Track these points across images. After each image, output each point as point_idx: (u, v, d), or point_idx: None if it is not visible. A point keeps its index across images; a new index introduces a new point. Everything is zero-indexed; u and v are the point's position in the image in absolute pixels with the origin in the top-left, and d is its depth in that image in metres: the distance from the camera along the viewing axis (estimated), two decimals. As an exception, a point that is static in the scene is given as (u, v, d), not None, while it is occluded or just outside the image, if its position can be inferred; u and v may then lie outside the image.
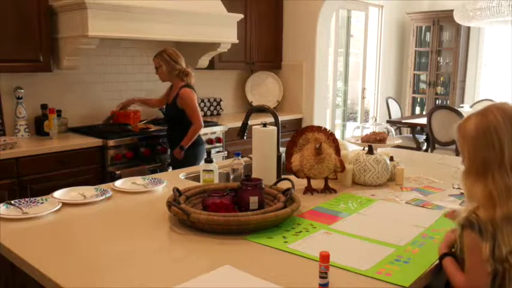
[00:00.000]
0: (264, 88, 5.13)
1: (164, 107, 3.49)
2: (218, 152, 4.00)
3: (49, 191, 1.98)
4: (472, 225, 1.24)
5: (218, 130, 4.01)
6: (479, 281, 1.25)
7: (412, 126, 5.89)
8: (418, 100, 7.41)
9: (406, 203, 1.93)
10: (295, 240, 1.51)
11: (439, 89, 7.07)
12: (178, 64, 3.30)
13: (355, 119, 7.04)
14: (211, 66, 4.39)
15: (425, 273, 1.31)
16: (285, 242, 1.50)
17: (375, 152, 2.21)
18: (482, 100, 6.48)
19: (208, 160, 2.13)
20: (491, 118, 1.25)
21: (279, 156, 2.18)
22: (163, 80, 3.39)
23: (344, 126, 6.88)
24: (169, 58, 3.26)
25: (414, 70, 7.24)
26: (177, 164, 3.19)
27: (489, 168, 1.24)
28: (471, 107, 6.08)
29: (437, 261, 1.37)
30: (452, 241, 1.38)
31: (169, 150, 3.46)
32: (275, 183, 1.97)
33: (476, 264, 1.25)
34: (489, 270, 1.23)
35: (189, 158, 3.22)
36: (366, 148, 2.25)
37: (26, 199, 1.85)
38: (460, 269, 1.31)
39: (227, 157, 3.99)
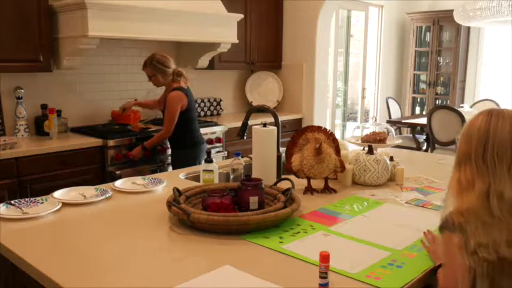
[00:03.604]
0: (264, 88, 5.13)
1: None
2: (218, 152, 4.00)
3: (49, 191, 1.98)
4: (448, 225, 1.23)
5: (218, 130, 4.01)
6: (452, 277, 1.21)
7: (412, 126, 5.89)
8: (418, 100, 7.41)
9: (406, 203, 1.93)
10: (291, 241, 1.50)
11: (439, 89, 7.07)
12: (170, 67, 3.29)
13: (355, 119, 7.04)
14: (211, 66, 4.39)
15: (417, 279, 1.28)
16: (280, 242, 1.49)
17: (375, 152, 2.20)
18: (482, 100, 6.48)
19: (208, 160, 2.13)
20: (475, 119, 1.30)
21: (279, 156, 2.18)
22: (159, 86, 3.40)
23: (344, 126, 6.88)
24: (161, 65, 3.25)
25: (414, 70, 7.23)
26: (177, 164, 3.19)
27: (462, 160, 1.29)
28: (471, 107, 6.08)
29: (431, 268, 1.34)
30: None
31: (169, 150, 3.47)
32: (275, 183, 1.97)
33: (451, 260, 1.21)
34: (465, 264, 1.18)
35: (189, 158, 3.22)
36: (366, 148, 2.25)
37: (26, 199, 1.85)
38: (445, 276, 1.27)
39: (227, 157, 3.99)
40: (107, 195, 1.94)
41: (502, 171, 1.23)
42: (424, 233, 1.53)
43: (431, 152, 5.40)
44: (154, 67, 3.25)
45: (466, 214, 1.22)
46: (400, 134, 6.75)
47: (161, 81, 3.30)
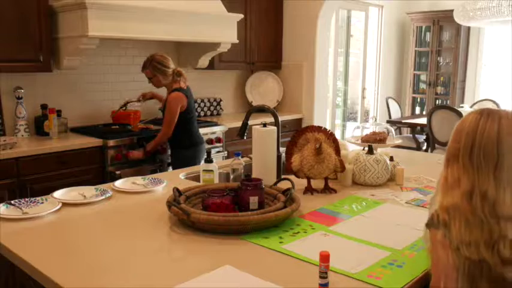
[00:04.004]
0: (264, 88, 5.13)
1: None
2: (218, 152, 4.00)
3: (49, 191, 1.98)
4: (433, 222, 1.24)
5: (218, 130, 4.01)
6: (437, 274, 1.21)
7: (412, 126, 5.89)
8: (418, 100, 7.41)
9: (406, 203, 1.93)
10: (291, 241, 1.50)
11: (439, 89, 7.07)
12: (170, 67, 3.28)
13: (355, 119, 7.04)
14: (211, 66, 4.39)
15: (417, 278, 1.28)
16: (281, 242, 1.49)
17: (375, 152, 2.20)
18: (482, 100, 6.48)
19: (208, 160, 2.13)
20: (466, 118, 1.31)
21: (279, 156, 2.18)
22: (159, 87, 3.39)
23: (344, 126, 6.88)
24: (161, 65, 3.23)
25: (414, 70, 7.24)
26: (177, 164, 3.20)
27: (450, 158, 1.30)
28: (471, 107, 6.08)
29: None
30: None
31: (169, 151, 3.47)
32: (275, 183, 1.97)
33: (437, 257, 1.21)
34: (449, 261, 1.18)
35: (189, 158, 3.23)
36: (366, 148, 2.25)
37: (26, 199, 1.85)
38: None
39: (227, 157, 3.99)
40: (107, 195, 1.94)
41: (488, 172, 1.23)
42: None
43: (431, 152, 5.40)
44: (154, 68, 3.24)
45: (451, 211, 1.22)
46: (400, 134, 6.75)
47: (162, 81, 3.29)
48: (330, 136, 2.09)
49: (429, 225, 1.26)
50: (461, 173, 1.26)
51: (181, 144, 3.31)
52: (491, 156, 1.23)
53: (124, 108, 3.69)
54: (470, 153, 1.25)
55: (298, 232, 1.58)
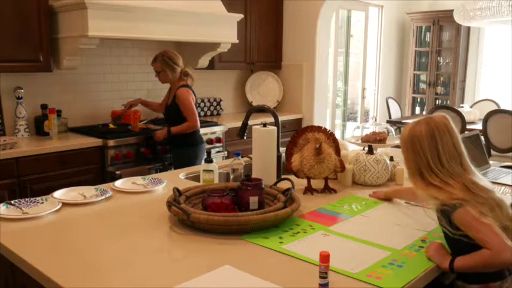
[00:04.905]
0: (264, 88, 5.13)
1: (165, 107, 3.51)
2: (218, 152, 4.00)
3: (49, 191, 1.98)
4: (453, 206, 1.34)
5: (218, 130, 4.01)
6: (500, 238, 1.29)
7: (412, 126, 5.87)
8: (418, 100, 7.41)
9: (406, 203, 1.93)
10: (291, 241, 1.50)
11: (439, 89, 7.08)
12: (179, 66, 3.33)
13: (355, 119, 7.04)
14: (211, 66, 4.39)
15: (418, 278, 1.28)
16: (281, 242, 1.49)
17: (375, 152, 2.20)
18: (482, 100, 6.48)
19: (208, 160, 2.13)
20: (415, 130, 1.46)
21: (279, 156, 2.18)
22: (164, 82, 3.41)
23: (344, 126, 6.88)
24: (171, 61, 3.29)
25: (414, 70, 7.24)
26: (178, 163, 3.20)
27: (423, 170, 1.44)
28: (471, 107, 6.08)
29: (431, 268, 1.35)
30: (442, 250, 1.42)
31: (170, 151, 3.47)
32: (275, 183, 1.97)
33: (485, 227, 1.30)
34: (496, 224, 1.31)
35: (189, 158, 3.23)
36: (366, 148, 2.25)
37: (26, 199, 1.85)
38: (473, 254, 1.32)
39: (227, 157, 3.99)
40: (107, 195, 1.94)
41: (460, 169, 1.41)
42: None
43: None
44: (164, 62, 3.28)
45: (459, 197, 1.35)
46: (400, 134, 6.74)
47: (169, 77, 3.32)
48: (330, 136, 2.09)
49: (449, 209, 1.34)
50: (445, 178, 1.40)
51: (183, 142, 3.33)
52: (455, 157, 1.42)
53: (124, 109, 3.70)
54: (440, 161, 1.41)
55: (298, 232, 1.58)
